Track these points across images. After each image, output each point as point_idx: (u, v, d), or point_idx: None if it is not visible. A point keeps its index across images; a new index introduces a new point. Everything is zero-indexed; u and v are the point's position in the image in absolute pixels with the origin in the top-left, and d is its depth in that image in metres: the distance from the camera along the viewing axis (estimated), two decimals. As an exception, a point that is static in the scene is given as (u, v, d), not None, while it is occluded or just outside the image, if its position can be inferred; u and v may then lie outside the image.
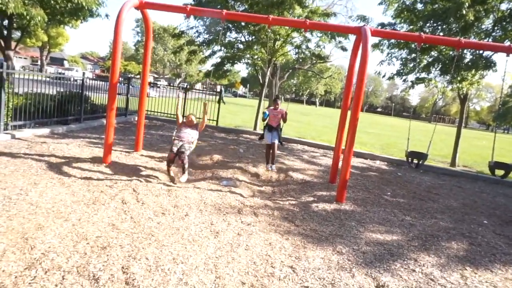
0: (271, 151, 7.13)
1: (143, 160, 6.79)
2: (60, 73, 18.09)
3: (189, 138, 6.09)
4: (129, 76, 22.12)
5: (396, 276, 3.49)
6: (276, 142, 7.12)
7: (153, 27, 8.02)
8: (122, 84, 12.43)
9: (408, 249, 4.20)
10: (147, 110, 12.57)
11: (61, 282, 2.71)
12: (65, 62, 62.49)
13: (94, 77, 14.84)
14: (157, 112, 14.05)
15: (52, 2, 9.71)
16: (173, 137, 6.16)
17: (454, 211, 6.11)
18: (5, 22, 11.44)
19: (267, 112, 7.18)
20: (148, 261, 3.17)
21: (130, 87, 12.67)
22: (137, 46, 69.04)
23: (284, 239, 4.08)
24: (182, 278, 2.99)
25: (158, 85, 24.86)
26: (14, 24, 11.83)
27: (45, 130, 7.99)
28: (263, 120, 7.23)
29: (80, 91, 9.64)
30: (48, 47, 45.99)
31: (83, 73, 10.52)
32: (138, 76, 43.92)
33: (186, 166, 5.88)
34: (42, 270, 2.83)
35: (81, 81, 9.74)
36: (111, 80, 6.22)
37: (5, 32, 11.37)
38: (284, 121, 7.18)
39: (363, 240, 4.31)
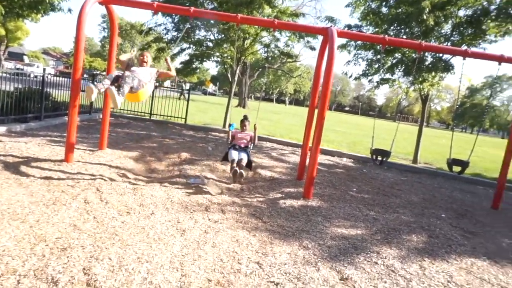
0: (238, 172, 5.60)
1: (108, 159, 6.60)
2: (18, 69, 17.24)
3: (143, 77, 5.19)
4: (95, 72, 21.42)
5: (359, 269, 3.60)
6: (245, 159, 5.87)
7: (119, 23, 7.81)
8: (86, 81, 12.03)
9: (371, 243, 4.33)
10: (112, 108, 12.23)
11: (16, 286, 2.58)
12: (25, 58, 59.52)
13: (57, 73, 14.23)
14: (124, 109, 13.69)
15: (9, -7, 9.23)
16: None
17: (414, 205, 6.37)
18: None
19: (234, 124, 6.26)
20: (111, 261, 3.09)
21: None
22: (103, 42, 67.01)
23: (251, 235, 4.10)
24: (147, 277, 2.93)
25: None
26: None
27: (1, 128, 7.58)
28: (228, 139, 6.15)
29: (41, 88, 9.22)
30: (5, 41, 43.60)
31: (44, 69, 10.07)
32: (104, 73, 42.61)
33: (125, 88, 4.93)
34: (-5, 273, 2.69)
35: (41, 77, 9.32)
36: (74, 76, 6.00)
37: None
38: (254, 143, 6.23)
39: (329, 235, 4.41)
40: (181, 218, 4.30)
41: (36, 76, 10.09)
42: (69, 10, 11.77)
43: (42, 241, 3.26)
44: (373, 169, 9.43)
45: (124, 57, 5.68)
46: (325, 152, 10.62)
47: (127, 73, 4.99)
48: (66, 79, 11.04)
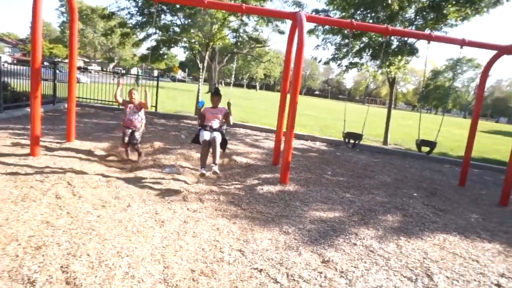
0: (210, 150, 5.18)
1: (78, 151, 6.34)
2: (-29, 58, 16.12)
3: (137, 123, 6.22)
4: (55, 60, 20.39)
5: (339, 251, 3.68)
6: (218, 138, 5.17)
7: (79, 7, 7.41)
8: (47, 69, 11.43)
9: (349, 225, 4.44)
10: (78, 97, 11.72)
11: (-11, 288, 2.45)
12: (-23, 45, 55.69)
13: (14, 62, 13.40)
14: (90, 99, 13.17)
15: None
16: (121, 123, 6.36)
17: (388, 186, 6.58)
18: None
19: (203, 101, 5.52)
20: (89, 257, 2.99)
21: (57, 72, 11.68)
22: (62, 27, 63.68)
23: (232, 223, 4.09)
24: (128, 271, 2.87)
25: (89, 70, 23.19)
26: None
27: (-42, 122, 7.10)
28: (199, 114, 5.56)
29: (-2, 78, 8.66)
30: (-46, 27, 40.55)
31: (0, 57, 9.45)
32: (66, 61, 40.65)
33: (141, 151, 6.48)
34: (-35, 277, 2.53)
35: (-2, 66, 8.74)
36: (33, 65, 5.65)
37: None
38: (228, 123, 5.53)
39: (308, 219, 4.48)
40: (159, 209, 4.22)
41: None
42: (25, -7, 11.05)
43: (14, 241, 3.10)
44: (346, 152, 9.63)
45: (118, 94, 6.40)
46: (299, 137, 10.72)
47: (132, 138, 6.22)
48: (25, 67, 10.44)
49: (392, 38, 10.89)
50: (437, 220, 4.97)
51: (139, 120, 6.28)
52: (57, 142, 6.72)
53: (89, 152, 6.38)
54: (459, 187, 7.25)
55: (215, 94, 5.57)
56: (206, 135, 5.20)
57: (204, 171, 5.09)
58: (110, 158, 6.48)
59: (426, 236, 4.35)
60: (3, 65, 8.95)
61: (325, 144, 10.65)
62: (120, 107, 6.41)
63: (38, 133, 5.74)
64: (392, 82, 12.43)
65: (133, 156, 6.55)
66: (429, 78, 69.05)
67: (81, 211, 3.88)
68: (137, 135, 6.23)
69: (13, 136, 6.80)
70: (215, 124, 5.41)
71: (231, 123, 5.57)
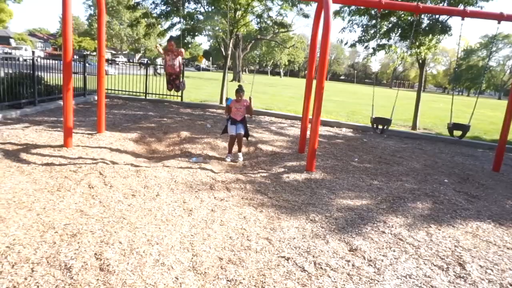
0: (235, 142, 6.34)
1: (108, 141, 6.54)
2: (7, 53, 16.78)
3: (177, 68, 7.00)
4: (85, 53, 20.95)
5: (367, 239, 3.64)
6: (242, 132, 6.31)
7: (106, -1, 7.53)
8: (77, 62, 11.76)
9: (377, 212, 4.37)
10: (107, 89, 12.03)
11: (30, 274, 2.59)
12: (12, 41, 58.00)
13: (46, 56, 13.88)
14: (118, 90, 13.49)
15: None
16: (164, 70, 7.28)
17: (417, 172, 6.41)
18: None
19: (231, 99, 6.40)
20: (121, 245, 3.10)
21: (87, 65, 12.00)
22: (90, 20, 65.14)
23: (258, 211, 4.12)
24: (159, 259, 2.95)
25: (117, 62, 23.69)
26: None
27: (-3, 116, 7.46)
28: (226, 108, 6.43)
29: (32, 72, 9.01)
30: (-11, 24, 42.40)
31: (33, 52, 9.80)
32: (94, 53, 41.70)
33: (183, 85, 7.51)
34: (8, 264, 2.68)
35: (31, 61, 9.08)
36: (65, 59, 5.83)
37: None
38: (250, 113, 6.56)
39: (335, 207, 4.44)
40: (187, 198, 4.30)
41: (25, 60, 9.84)
42: (53, -12, 11.33)
43: (51, 228, 3.26)
44: (373, 138, 9.43)
45: (160, 49, 7.12)
46: (324, 123, 10.58)
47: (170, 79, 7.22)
48: (56, 61, 10.79)
49: (423, 16, 10.44)
50: (470, 207, 4.81)
51: (178, 65, 7.01)
52: (89, 133, 6.95)
53: (119, 143, 6.56)
54: (494, 172, 6.95)
55: (239, 90, 6.29)
56: (232, 130, 6.27)
57: (229, 159, 6.23)
58: (139, 148, 6.64)
59: (458, 224, 4.22)
60: (37, 60, 9.28)
61: (352, 130, 10.47)
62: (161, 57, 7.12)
63: (70, 125, 5.95)
64: (422, 64, 11.96)
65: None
66: (461, 58, 66.01)
67: (113, 200, 4.02)
68: (177, 81, 7.21)
69: (47, 128, 7.09)
70: (239, 116, 6.33)
71: (252, 114, 6.74)
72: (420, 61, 11.77)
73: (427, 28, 10.40)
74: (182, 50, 7.01)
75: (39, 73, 9.48)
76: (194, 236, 3.40)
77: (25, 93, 8.74)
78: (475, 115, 7.66)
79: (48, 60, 10.48)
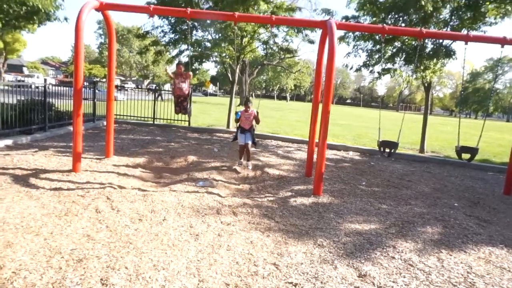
0: (244, 151, 7.22)
1: (115, 166, 6.59)
2: (19, 81, 17.26)
3: (185, 92, 7.20)
4: (95, 80, 21.43)
5: (376, 265, 3.56)
6: (250, 143, 7.16)
7: (116, 28, 7.78)
8: (87, 88, 12.02)
9: (386, 237, 4.29)
10: (116, 114, 12.24)
11: (36, 300, 2.57)
12: (24, 69, 59.75)
13: (57, 83, 14.25)
14: (127, 115, 13.70)
15: (5, 6, 9.20)
16: (172, 94, 7.50)
17: (426, 196, 6.32)
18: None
19: (239, 113, 7.18)
20: (127, 270, 3.07)
21: (97, 91, 12.27)
22: (100, 48, 67.06)
23: (265, 236, 4.07)
24: (165, 284, 2.92)
25: (126, 88, 24.19)
26: (-35, 31, 11.17)
27: (7, 141, 7.59)
28: (236, 121, 7.22)
29: (43, 99, 9.23)
30: (4, 53, 43.75)
31: (45, 80, 10.07)
32: (104, 80, 42.65)
33: (190, 111, 7.57)
34: (14, 290, 2.67)
35: (43, 88, 9.32)
36: (76, 86, 5.98)
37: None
38: (257, 122, 7.22)
39: (343, 231, 4.37)
40: (194, 223, 4.28)
41: (37, 87, 10.10)
42: (65, 18, 11.77)
43: (58, 253, 3.25)
44: (380, 161, 9.37)
45: (170, 73, 7.52)
46: (331, 147, 10.57)
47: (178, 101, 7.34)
48: (67, 88, 11.06)
49: (427, 41, 10.57)
50: (481, 232, 4.70)
51: (186, 88, 7.22)
52: (97, 158, 7.02)
53: (126, 167, 6.61)
54: (505, 196, 6.83)
55: (247, 102, 7.23)
56: (241, 139, 7.14)
57: (239, 166, 7.25)
58: (147, 172, 6.67)
59: (470, 249, 4.12)
60: (48, 87, 9.52)
61: (359, 153, 10.43)
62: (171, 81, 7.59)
63: (79, 150, 6.03)
64: (428, 87, 12.01)
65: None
66: (467, 81, 66.18)
67: (119, 225, 4.01)
68: (185, 103, 7.30)
69: (56, 153, 7.18)
70: (248, 124, 7.17)
71: (259, 122, 7.28)
72: (426, 84, 11.84)
73: (431, 52, 10.51)
74: (191, 73, 7.24)
75: (50, 100, 9.70)
76: (200, 261, 3.36)
77: (36, 119, 8.93)
78: (483, 138, 7.61)
79: (59, 87, 10.74)
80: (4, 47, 41.82)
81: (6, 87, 8.67)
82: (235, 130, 7.58)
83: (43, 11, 10.00)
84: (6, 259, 3.07)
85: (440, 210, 5.49)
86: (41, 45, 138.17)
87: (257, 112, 7.13)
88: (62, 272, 2.96)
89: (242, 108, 7.41)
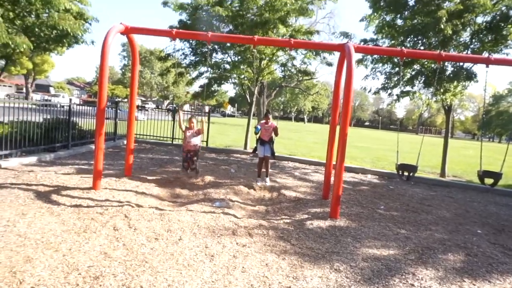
0: (263, 164, 7.53)
1: (134, 185, 6.69)
2: (46, 100, 17.96)
3: (195, 147, 7.14)
4: (117, 100, 22.07)
5: (395, 292, 3.45)
6: (269, 155, 7.45)
7: (139, 50, 8.06)
8: (110, 108, 12.38)
9: (405, 263, 4.17)
10: (136, 134, 12.50)
11: (52, 317, 2.60)
12: (51, 89, 62.08)
13: (81, 103, 14.76)
14: (146, 135, 13.97)
15: (36, 30, 9.68)
16: (183, 147, 7.28)
17: (447, 222, 6.13)
18: (-11, 52, 11.38)
19: (259, 127, 7.57)
20: (142, 289, 3.08)
21: (118, 111, 12.62)
22: (123, 70, 69.22)
23: (281, 259, 4.02)
24: (179, 305, 2.90)
25: (146, 108, 24.77)
26: (-2, 53, 11.77)
27: (32, 159, 7.85)
28: (256, 133, 7.58)
29: (68, 117, 9.55)
30: (33, 74, 45.73)
31: (70, 99, 10.45)
32: (125, 100, 43.81)
33: (198, 170, 7.46)
34: (32, 305, 2.72)
35: (68, 107, 9.66)
36: (99, 105, 6.18)
37: (-11, 61, 11.29)
38: (276, 134, 7.57)
39: (360, 256, 4.28)
40: (209, 243, 4.27)
41: (63, 106, 10.48)
42: (92, 42, 12.25)
43: (75, 270, 3.29)
44: (399, 185, 9.19)
45: (182, 124, 7.30)
46: (349, 169, 10.46)
47: (187, 156, 7.22)
48: (90, 107, 11.43)
49: (446, 63, 10.50)
50: (507, 261, 4.51)
51: (197, 143, 7.19)
52: (116, 177, 7.15)
53: (144, 186, 6.70)
54: (532, 223, 6.56)
55: (267, 114, 7.71)
56: (261, 152, 7.47)
57: (259, 183, 7.35)
58: (164, 191, 6.74)
59: (495, 279, 3.95)
60: (73, 107, 9.87)
61: (377, 176, 10.27)
62: (182, 132, 7.45)
63: (100, 169, 6.17)
64: (448, 110, 11.85)
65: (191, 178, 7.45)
66: (490, 104, 64.81)
67: (136, 243, 4.05)
68: (195, 159, 7.22)
69: (78, 170, 7.36)
70: (267, 136, 7.50)
71: (277, 135, 7.64)
72: (446, 107, 11.68)
73: (451, 75, 10.42)
74: (201, 129, 7.13)
75: (74, 119, 10.02)
76: (215, 282, 3.34)
77: (60, 137, 9.22)
78: (508, 162, 7.39)
79: (82, 106, 11.11)
80: (33, 68, 43.75)
81: (33, 106, 9.02)
82: (251, 151, 8.00)
83: (71, 34, 10.45)
84: (26, 274, 3.13)
85: (462, 237, 5.31)
86: (68, 66, 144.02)
87: (277, 127, 7.51)
88: (79, 289, 2.99)
89: (261, 122, 7.80)
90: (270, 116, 7.63)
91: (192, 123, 7.16)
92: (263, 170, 7.68)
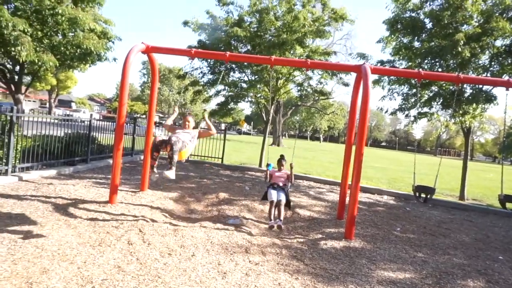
0: (275, 208, 5.75)
1: (149, 200, 6.77)
2: (67, 115, 18.52)
3: (175, 140, 4.97)
4: (135, 116, 22.56)
5: (411, 317, 3.35)
6: (283, 200, 5.79)
7: (159, 68, 8.26)
8: (128, 124, 12.65)
9: (422, 288, 4.05)
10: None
11: (65, 328, 2.63)
12: (73, 104, 63.96)
13: (101, 118, 15.16)
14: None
15: (62, 48, 10.09)
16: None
17: (467, 246, 5.95)
18: (17, 68, 11.87)
19: (271, 164, 6.25)
20: (154, 304, 3.08)
21: (136, 127, 12.88)
22: (142, 87, 70.88)
23: (294, 278, 3.97)
24: (190, 322, 2.89)
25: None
26: (25, 70, 12.26)
27: (52, 172, 8.05)
28: (266, 177, 6.17)
29: (88, 132, 9.80)
30: (56, 90, 47.32)
31: (91, 115, 10.75)
32: (143, 116, 44.72)
33: (175, 159, 4.96)
34: (46, 316, 2.75)
35: (88, 122, 9.93)
36: (118, 121, 6.33)
37: (16, 77, 11.77)
38: (291, 181, 6.22)
39: (375, 279, 4.18)
40: (222, 260, 4.26)
41: (83, 121, 10.78)
42: (114, 59, 12.66)
43: (89, 283, 3.33)
44: (416, 206, 9.00)
45: (169, 121, 6.18)
46: (364, 190, 10.31)
47: (173, 139, 4.95)
48: (109, 123, 11.71)
49: (465, 85, 10.38)
50: (530, 289, 4.33)
51: (188, 138, 5.38)
52: (132, 191, 7.25)
53: (159, 201, 6.76)
54: (557, 251, 6.29)
55: (281, 159, 6.31)
56: (273, 196, 5.83)
57: (272, 224, 5.54)
58: (178, 207, 6.78)
59: (517, 308, 3.79)
60: (93, 122, 10.14)
61: (393, 198, 10.09)
62: (168, 134, 5.73)
63: (117, 183, 6.28)
64: (468, 132, 11.63)
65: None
66: (511, 127, 63.30)
67: (149, 258, 4.07)
68: (181, 142, 5.09)
69: (95, 184, 7.50)
70: (281, 183, 6.10)
71: (293, 182, 6.36)
72: (465, 129, 11.49)
73: (470, 97, 10.28)
74: (213, 129, 5.94)
75: (94, 133, 10.28)
76: (226, 300, 3.32)
77: (79, 151, 9.45)
78: (529, 187, 7.17)
79: (102, 122, 11.41)
80: (57, 84, 45.32)
81: (55, 121, 9.32)
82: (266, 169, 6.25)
83: (95, 53, 10.85)
84: (41, 285, 3.18)
85: (483, 263, 5.14)
86: (89, 82, 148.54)
87: (291, 167, 6.05)
88: (92, 301, 3.02)
89: (274, 170, 6.31)
90: (284, 163, 6.26)
91: (187, 121, 5.65)
92: (276, 213, 5.75)
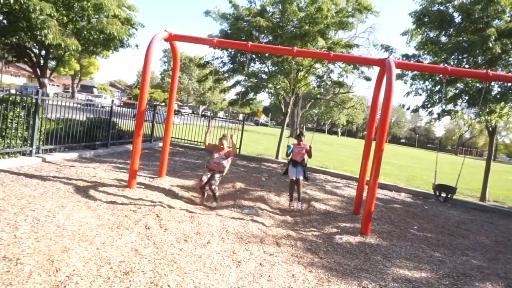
0: (295, 187, 6.72)
1: (167, 186, 6.86)
2: (89, 100, 18.88)
3: (222, 168, 6.38)
4: (155, 103, 22.83)
5: (426, 316, 3.31)
6: (301, 178, 6.71)
7: (180, 57, 8.30)
8: (148, 111, 12.80)
9: (438, 288, 3.99)
10: (171, 137, 12.82)
11: (84, 306, 2.70)
12: (95, 90, 65.17)
13: (121, 104, 15.39)
14: (180, 139, 14.30)
15: (85, 33, 10.24)
16: (206, 165, 6.58)
17: (486, 248, 5.81)
18: (43, 53, 12.15)
19: (292, 146, 6.94)
20: (170, 288, 3.13)
21: (156, 114, 13.02)
22: (163, 75, 71.49)
23: (308, 271, 3.97)
24: (204, 308, 2.93)
25: (182, 113, 25.42)
26: (51, 55, 12.53)
27: (74, 154, 8.25)
28: (287, 155, 6.94)
29: (109, 118, 9.97)
30: (79, 75, 48.31)
31: (112, 100, 10.92)
32: (163, 104, 45.22)
33: (217, 194, 6.22)
34: (66, 293, 2.83)
35: (109, 108, 10.10)
36: (139, 108, 6.40)
37: (42, 61, 12.05)
38: (309, 156, 6.88)
39: (390, 276, 4.14)
40: (237, 249, 4.29)
41: (104, 107, 10.97)
42: (136, 45, 12.78)
43: (107, 264, 3.41)
44: (435, 205, 8.83)
45: (207, 140, 6.80)
46: (382, 186, 10.17)
47: (213, 182, 6.14)
48: (129, 109, 11.88)
49: (493, 83, 10.03)
50: (552, 296, 4.20)
51: (224, 165, 6.42)
52: (150, 177, 7.36)
53: (177, 188, 6.84)
54: None
55: (301, 135, 7.08)
56: (293, 174, 6.72)
57: (292, 205, 6.69)
58: (195, 195, 6.86)
59: (537, 313, 3.69)
60: (114, 107, 10.31)
61: (411, 196, 9.92)
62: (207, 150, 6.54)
63: (136, 168, 6.38)
64: (492, 131, 11.27)
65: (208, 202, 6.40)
66: (538, 129, 61.00)
67: (166, 243, 4.13)
68: (217, 177, 6.24)
69: (115, 169, 7.65)
70: (300, 157, 6.89)
71: (311, 157, 7.00)
72: (490, 128, 11.14)
73: (498, 95, 9.94)
74: (232, 151, 6.53)
75: (114, 119, 10.45)
76: (240, 288, 3.34)
77: (100, 136, 9.64)
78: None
79: (123, 108, 11.58)
80: (80, 69, 46.27)
81: (77, 105, 9.51)
82: (283, 160, 7.35)
83: (117, 38, 10.97)
84: (62, 263, 3.28)
85: (503, 266, 5.01)
86: (111, 68, 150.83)
87: (310, 147, 6.84)
88: (110, 282, 3.09)
89: (294, 141, 7.15)
90: (303, 138, 6.98)
91: (222, 144, 6.47)
92: (295, 194, 6.77)
